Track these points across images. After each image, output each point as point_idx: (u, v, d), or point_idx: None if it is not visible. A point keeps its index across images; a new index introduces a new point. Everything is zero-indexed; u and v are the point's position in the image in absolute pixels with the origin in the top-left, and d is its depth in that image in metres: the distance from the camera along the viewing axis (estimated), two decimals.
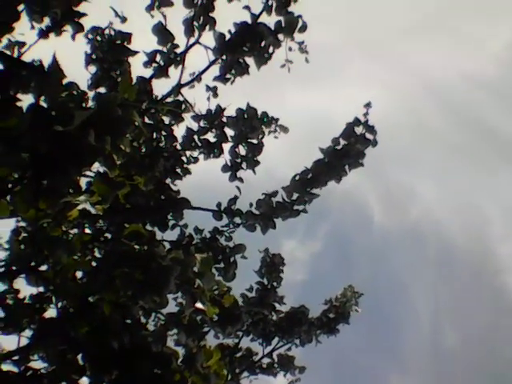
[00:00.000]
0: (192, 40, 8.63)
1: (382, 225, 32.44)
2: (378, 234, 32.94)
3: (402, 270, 33.03)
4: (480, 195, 36.11)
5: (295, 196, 9.33)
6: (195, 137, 9.29)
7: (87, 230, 6.97)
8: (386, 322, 30.67)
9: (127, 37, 8.59)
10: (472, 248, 34.06)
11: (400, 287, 32.31)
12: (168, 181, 8.74)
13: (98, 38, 8.51)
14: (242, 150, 9.43)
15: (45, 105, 4.79)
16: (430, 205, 34.77)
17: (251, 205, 9.32)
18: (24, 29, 6.70)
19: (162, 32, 8.55)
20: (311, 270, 28.84)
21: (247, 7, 8.48)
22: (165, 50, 8.63)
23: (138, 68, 8.57)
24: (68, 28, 7.30)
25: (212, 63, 8.77)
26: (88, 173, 5.68)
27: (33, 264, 5.88)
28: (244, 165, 9.45)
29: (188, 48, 8.66)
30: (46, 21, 6.91)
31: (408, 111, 32.86)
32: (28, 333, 5.82)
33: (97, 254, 6.33)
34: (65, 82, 4.97)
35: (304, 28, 8.72)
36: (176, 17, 8.58)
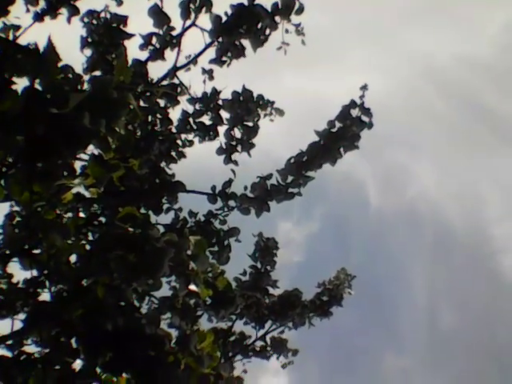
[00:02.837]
0: (188, 22, 8.60)
1: (378, 206, 32.55)
2: (375, 215, 33.03)
3: (399, 251, 33.19)
4: (477, 177, 36.23)
5: (290, 179, 9.33)
6: (190, 120, 9.28)
7: (81, 214, 6.97)
8: (382, 304, 30.85)
9: (123, 20, 8.56)
10: (469, 229, 34.21)
11: (397, 269, 32.46)
12: (163, 164, 8.73)
13: (94, 21, 8.46)
14: (237, 133, 9.44)
15: (40, 88, 4.78)
16: (427, 186, 34.89)
17: (246, 188, 9.33)
18: (19, 12, 6.70)
19: (158, 14, 8.52)
20: (307, 251, 28.93)
21: None
22: (161, 32, 8.60)
23: (133, 51, 8.55)
24: (63, 11, 7.30)
25: (208, 46, 8.74)
26: (82, 156, 5.68)
27: (26, 247, 5.89)
28: (239, 148, 9.45)
29: (184, 30, 8.63)
30: (42, 4, 6.92)
31: (406, 93, 32.88)
32: (22, 317, 5.84)
33: (91, 238, 6.34)
34: (60, 65, 4.95)
35: (301, 10, 8.70)
36: None
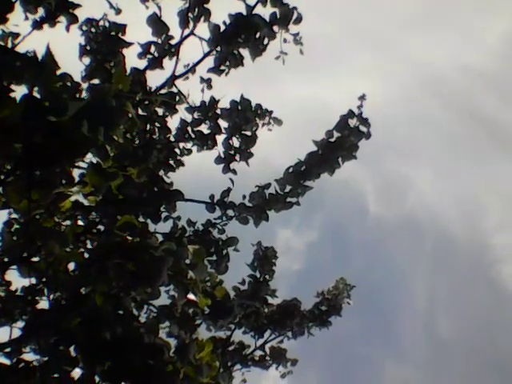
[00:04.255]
0: (187, 31, 8.62)
1: (378, 215, 32.55)
2: (375, 224, 33.04)
3: (399, 260, 33.17)
4: (477, 185, 36.27)
5: (288, 188, 9.34)
6: (189, 128, 9.28)
7: (80, 222, 6.96)
8: (382, 312, 30.80)
9: (122, 28, 8.57)
10: (469, 238, 34.20)
11: (396, 277, 32.43)
12: (161, 172, 8.71)
13: (93, 30, 8.47)
14: (235, 142, 9.44)
15: (38, 96, 4.77)
16: (427, 195, 34.91)
17: (244, 197, 9.32)
18: (18, 20, 6.71)
19: (157, 23, 8.53)
20: (307, 259, 28.91)
21: None
22: (159, 41, 8.61)
23: (132, 59, 8.56)
24: (62, 19, 7.30)
25: (206, 55, 8.75)
26: (81, 164, 5.67)
27: (25, 255, 5.88)
28: (237, 157, 9.44)
29: (182, 39, 8.65)
30: (40, 12, 6.92)
31: (406, 101, 32.94)
32: (20, 324, 5.83)
33: (89, 246, 6.33)
34: (59, 72, 4.94)
35: (299, 19, 8.73)
36: (171, 8, 8.57)
